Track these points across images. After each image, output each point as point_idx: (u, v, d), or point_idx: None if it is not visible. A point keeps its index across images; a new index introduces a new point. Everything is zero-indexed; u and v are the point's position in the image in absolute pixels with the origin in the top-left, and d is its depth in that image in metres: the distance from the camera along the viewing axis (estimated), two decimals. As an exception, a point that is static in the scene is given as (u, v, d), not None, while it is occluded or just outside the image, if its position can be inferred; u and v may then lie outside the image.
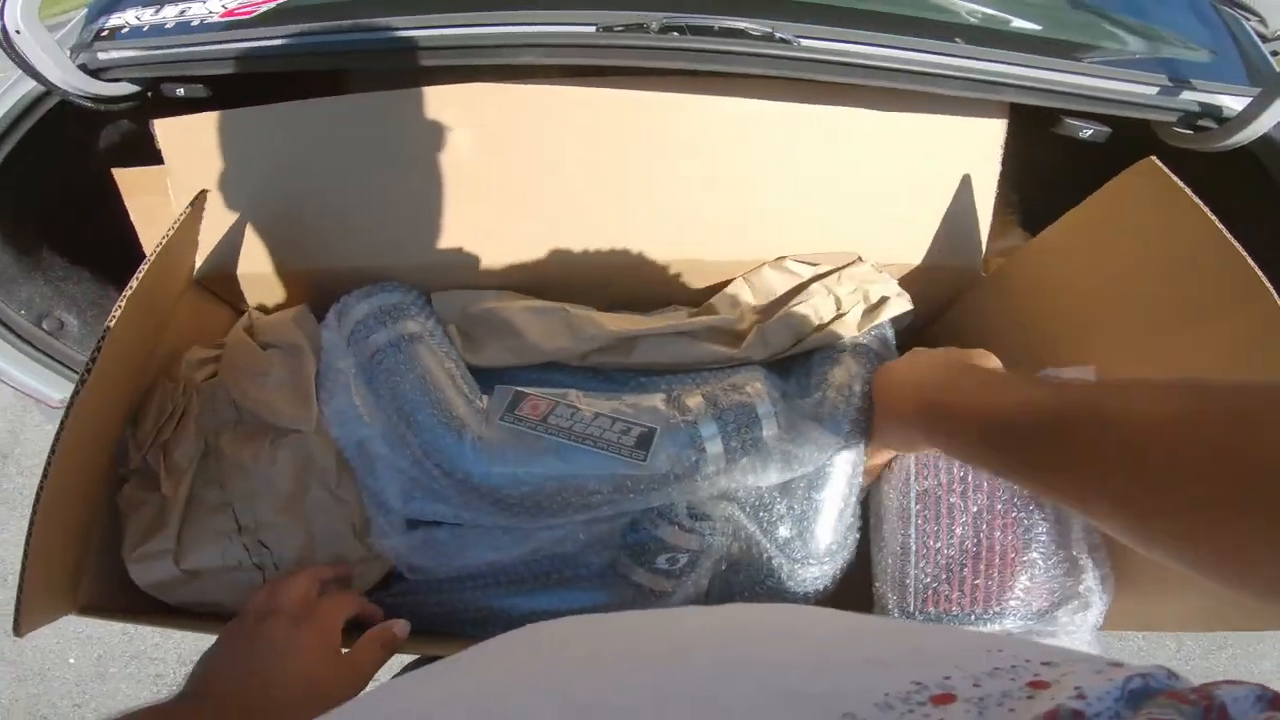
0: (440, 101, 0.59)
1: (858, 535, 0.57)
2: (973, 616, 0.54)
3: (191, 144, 0.60)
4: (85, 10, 0.70)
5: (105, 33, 0.66)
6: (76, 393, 0.44)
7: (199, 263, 0.62)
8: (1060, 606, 0.54)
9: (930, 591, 0.54)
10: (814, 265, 0.63)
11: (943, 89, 0.60)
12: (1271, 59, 0.76)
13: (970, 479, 0.55)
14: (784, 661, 0.22)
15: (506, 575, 0.55)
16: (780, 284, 0.62)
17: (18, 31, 0.57)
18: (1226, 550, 0.31)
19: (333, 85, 0.65)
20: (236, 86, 0.65)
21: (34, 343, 0.77)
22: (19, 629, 0.45)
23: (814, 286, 0.61)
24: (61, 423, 0.44)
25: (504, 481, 0.51)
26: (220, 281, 0.64)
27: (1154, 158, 0.52)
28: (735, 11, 0.61)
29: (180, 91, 0.67)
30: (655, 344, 0.59)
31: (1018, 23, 0.73)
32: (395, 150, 0.60)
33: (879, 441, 0.55)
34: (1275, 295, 0.46)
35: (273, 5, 0.67)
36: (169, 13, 0.67)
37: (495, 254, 0.62)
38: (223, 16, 0.66)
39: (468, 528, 0.54)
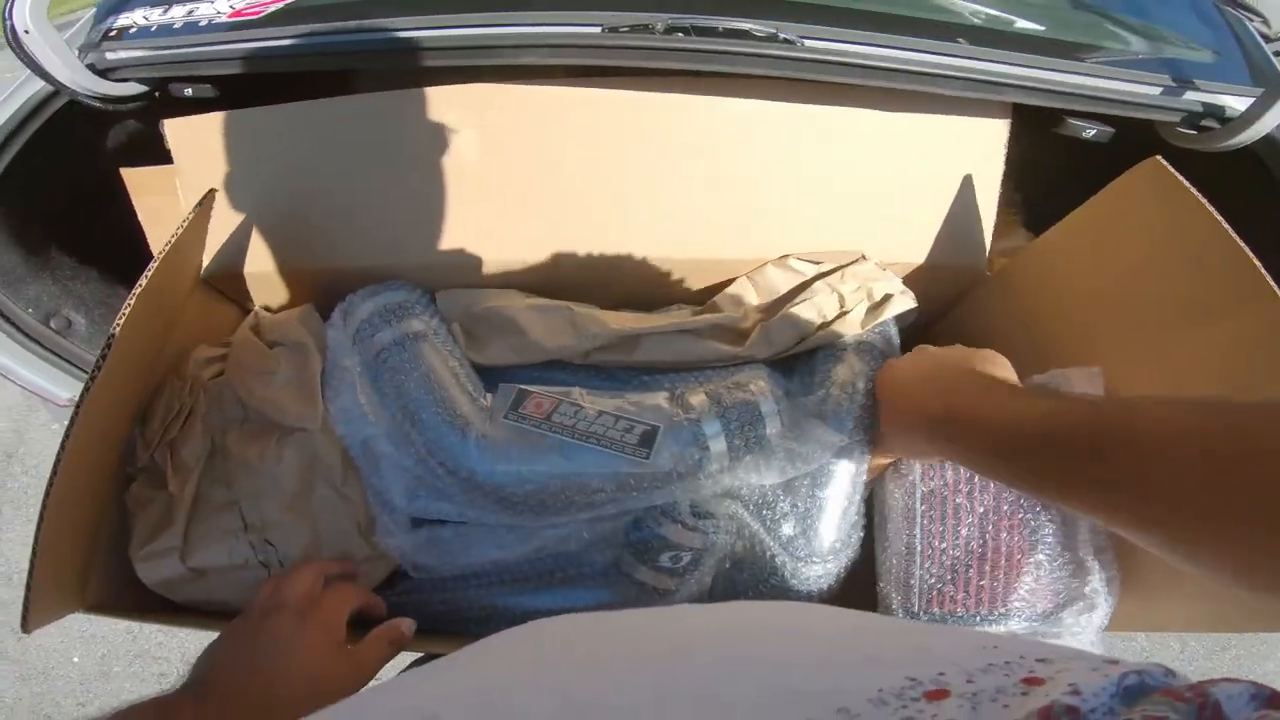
0: (445, 102, 0.59)
1: (862, 534, 0.57)
2: (978, 618, 0.54)
3: (200, 144, 0.60)
4: (93, 10, 0.71)
5: (113, 33, 0.67)
6: (86, 391, 0.44)
7: (206, 262, 0.63)
8: (1065, 608, 0.54)
9: (935, 592, 0.54)
10: (818, 264, 0.63)
11: (945, 89, 0.61)
12: (1274, 59, 0.76)
13: (977, 480, 0.55)
14: (785, 660, 0.22)
15: (510, 574, 0.55)
16: (784, 282, 0.62)
17: (27, 31, 0.58)
18: (1227, 555, 0.33)
19: (340, 85, 0.65)
20: (244, 87, 0.65)
21: (42, 341, 0.77)
22: (26, 626, 0.45)
23: (818, 285, 0.61)
24: (71, 421, 0.44)
25: (508, 480, 0.52)
26: (227, 280, 0.64)
27: (1159, 157, 0.52)
28: (739, 12, 0.61)
29: (188, 91, 0.68)
30: (658, 342, 0.59)
31: (1020, 23, 0.73)
32: (401, 150, 0.61)
33: (883, 445, 0.54)
34: (1280, 295, 0.46)
35: (280, 5, 0.67)
36: (177, 13, 0.68)
37: (499, 253, 0.62)
38: (230, 17, 0.67)
39: (472, 526, 0.54)
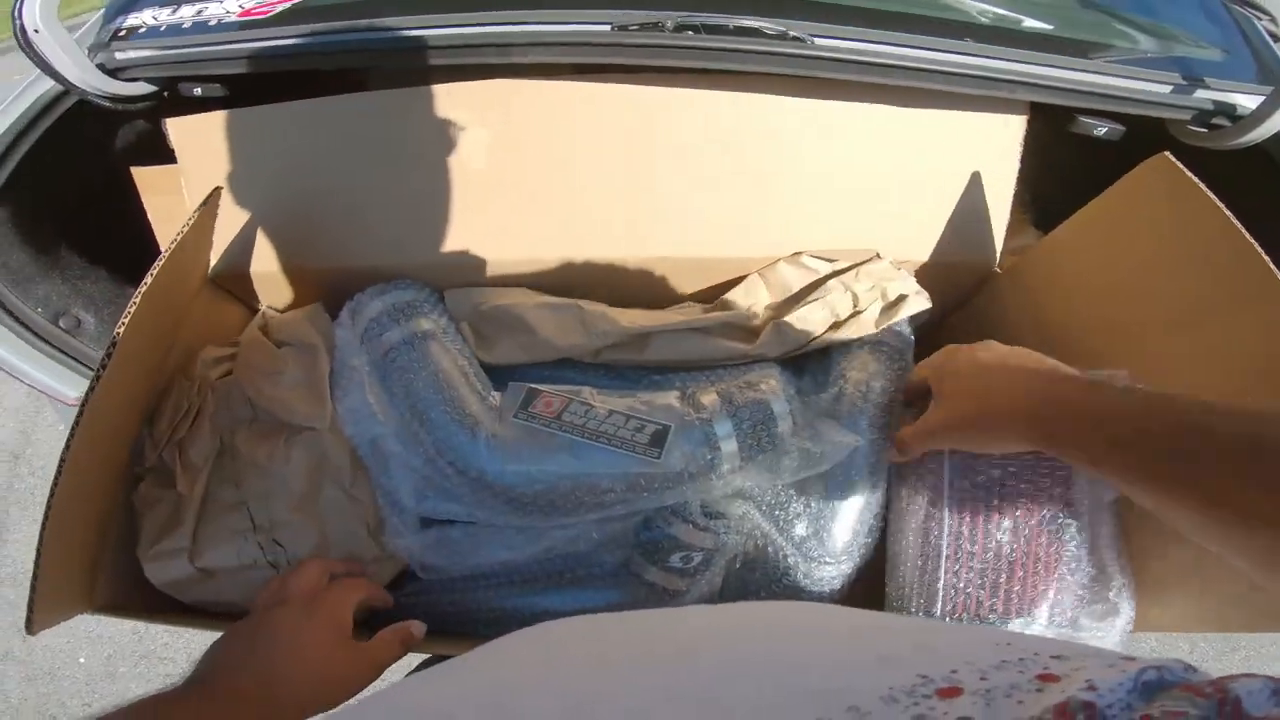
0: (453, 100, 0.59)
1: (877, 536, 0.56)
2: (1007, 624, 0.53)
3: (204, 143, 0.60)
4: (103, 10, 0.71)
5: (123, 32, 0.67)
6: (91, 390, 0.44)
7: (213, 261, 0.63)
8: (1090, 613, 0.53)
9: (964, 596, 0.53)
10: (831, 262, 0.63)
11: (955, 87, 0.60)
12: (1284, 57, 0.76)
13: (1010, 482, 0.53)
14: (795, 659, 0.22)
15: (519, 574, 0.55)
16: (796, 280, 0.62)
17: (36, 31, 0.58)
18: None
19: (350, 84, 0.65)
20: (253, 86, 0.65)
21: (51, 340, 0.77)
22: (31, 628, 0.45)
23: (831, 283, 0.61)
24: (75, 419, 0.44)
25: (518, 479, 0.51)
26: (235, 280, 0.64)
27: (1167, 153, 0.52)
28: (750, 10, 0.61)
29: (197, 91, 0.68)
30: (669, 340, 0.58)
31: (1029, 22, 0.73)
32: (408, 148, 0.61)
33: (955, 435, 0.51)
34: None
35: (289, 5, 0.67)
36: (186, 12, 0.68)
37: (508, 252, 0.62)
38: (240, 16, 0.67)
39: (481, 526, 0.54)
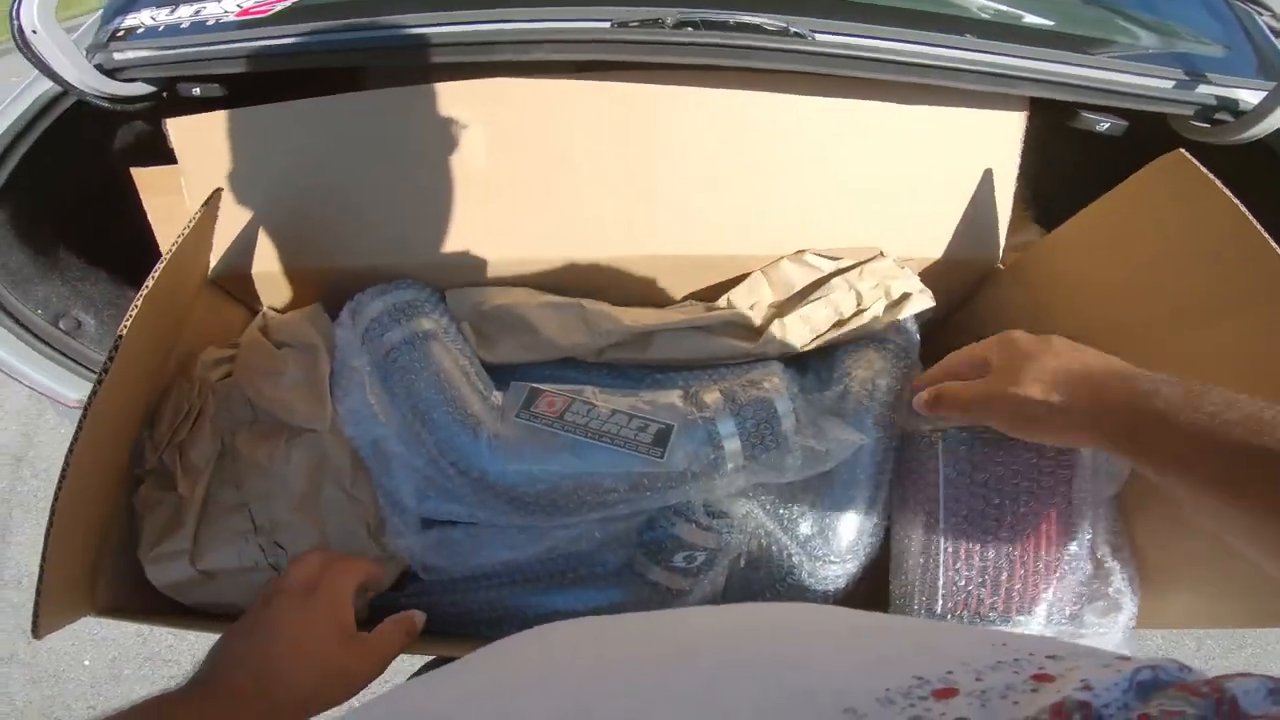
0: (454, 98, 0.59)
1: (882, 535, 0.56)
2: (1008, 621, 0.53)
3: (204, 143, 0.60)
4: (101, 11, 0.71)
5: (121, 33, 0.67)
6: (94, 394, 0.44)
7: (214, 262, 0.62)
8: (1092, 610, 0.53)
9: (965, 595, 0.53)
10: (835, 260, 0.63)
11: (957, 83, 0.60)
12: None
13: (1013, 479, 0.53)
14: (792, 661, 0.22)
15: (522, 574, 0.55)
16: (800, 278, 0.62)
17: (35, 31, 0.58)
18: None
19: (349, 83, 0.65)
20: (252, 86, 0.65)
21: (51, 342, 0.77)
22: (37, 631, 0.45)
23: (835, 281, 0.61)
24: (79, 423, 0.44)
25: (520, 479, 0.51)
26: (235, 281, 0.64)
27: (1182, 150, 0.52)
28: (750, 6, 0.61)
29: (196, 91, 0.68)
30: (671, 339, 0.58)
31: (1030, 18, 0.73)
32: (408, 147, 0.60)
33: (1008, 407, 0.47)
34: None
35: (287, 4, 0.67)
36: (184, 12, 0.68)
37: (509, 251, 0.62)
38: (238, 16, 0.66)
39: (483, 527, 0.54)
